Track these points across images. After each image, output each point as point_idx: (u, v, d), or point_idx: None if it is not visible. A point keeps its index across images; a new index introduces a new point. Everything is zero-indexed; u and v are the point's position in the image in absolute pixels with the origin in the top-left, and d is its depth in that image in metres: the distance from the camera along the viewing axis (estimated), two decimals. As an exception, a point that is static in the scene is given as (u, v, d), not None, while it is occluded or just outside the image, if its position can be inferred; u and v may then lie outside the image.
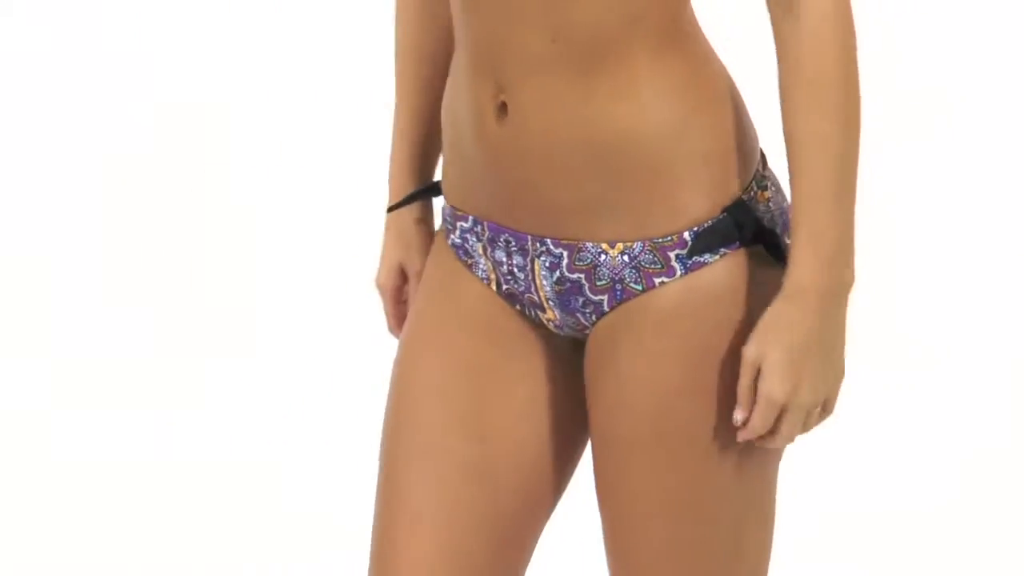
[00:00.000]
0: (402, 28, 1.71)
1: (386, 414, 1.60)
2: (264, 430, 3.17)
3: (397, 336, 1.75)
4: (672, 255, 1.46)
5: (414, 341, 1.59)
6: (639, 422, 1.47)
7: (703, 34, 1.49)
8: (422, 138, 1.73)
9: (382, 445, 1.59)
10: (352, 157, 3.31)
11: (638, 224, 1.46)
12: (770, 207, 1.50)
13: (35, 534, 2.90)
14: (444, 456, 1.54)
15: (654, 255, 1.46)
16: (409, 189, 1.72)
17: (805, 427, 1.45)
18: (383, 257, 1.76)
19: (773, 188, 1.51)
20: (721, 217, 1.46)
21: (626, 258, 1.47)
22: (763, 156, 1.53)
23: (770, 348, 1.41)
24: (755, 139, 1.52)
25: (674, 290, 1.46)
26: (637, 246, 1.47)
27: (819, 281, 1.41)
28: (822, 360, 1.43)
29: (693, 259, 1.46)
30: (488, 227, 1.55)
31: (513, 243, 1.53)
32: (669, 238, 1.46)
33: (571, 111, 1.43)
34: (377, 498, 1.58)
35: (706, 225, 1.46)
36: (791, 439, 1.45)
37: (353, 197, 3.10)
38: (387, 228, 1.75)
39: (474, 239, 1.57)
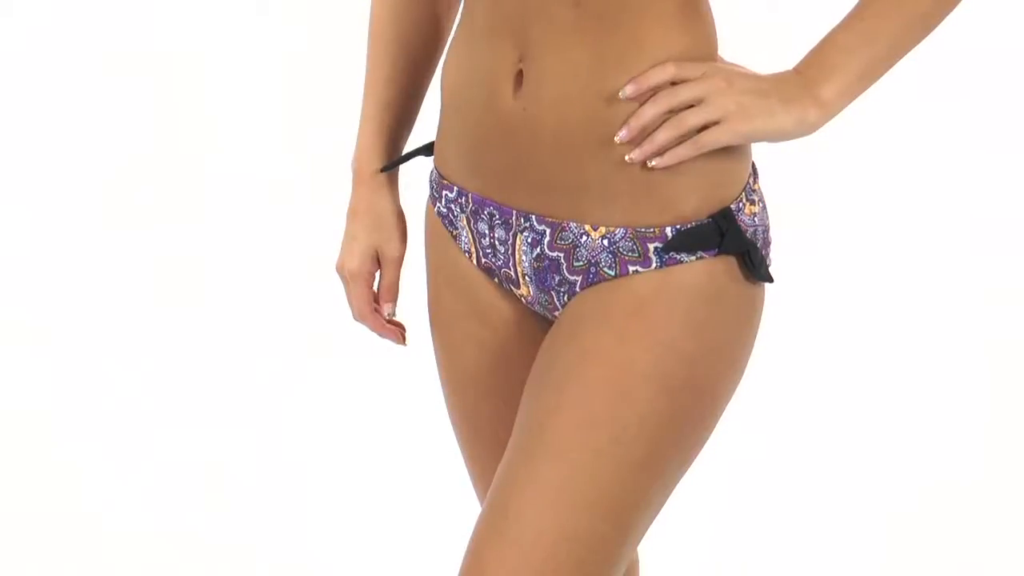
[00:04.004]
0: None
1: (456, 412, 1.69)
2: (264, 429, 3.17)
3: (366, 324, 1.73)
4: (651, 247, 1.47)
5: (460, 338, 1.64)
6: (594, 395, 1.44)
7: (713, 19, 1.49)
8: (399, 108, 1.69)
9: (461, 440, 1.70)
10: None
11: (625, 211, 1.46)
12: (755, 221, 1.51)
13: (34, 532, 2.90)
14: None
15: (634, 243, 1.47)
16: (383, 157, 1.69)
17: (680, 120, 1.43)
18: (353, 240, 1.71)
19: (761, 204, 1.53)
20: (706, 221, 1.47)
21: (606, 242, 1.48)
22: (755, 169, 1.54)
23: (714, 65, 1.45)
24: (750, 149, 1.52)
25: (648, 279, 1.47)
26: (619, 232, 1.47)
27: (803, 70, 1.44)
28: (745, 95, 1.43)
29: (670, 254, 1.46)
30: (472, 199, 1.55)
31: (497, 216, 1.53)
32: (652, 229, 1.47)
33: (584, 83, 1.43)
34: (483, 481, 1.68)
35: (690, 225, 1.47)
36: (658, 109, 1.43)
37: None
38: (356, 212, 1.71)
39: (458, 209, 1.58)
